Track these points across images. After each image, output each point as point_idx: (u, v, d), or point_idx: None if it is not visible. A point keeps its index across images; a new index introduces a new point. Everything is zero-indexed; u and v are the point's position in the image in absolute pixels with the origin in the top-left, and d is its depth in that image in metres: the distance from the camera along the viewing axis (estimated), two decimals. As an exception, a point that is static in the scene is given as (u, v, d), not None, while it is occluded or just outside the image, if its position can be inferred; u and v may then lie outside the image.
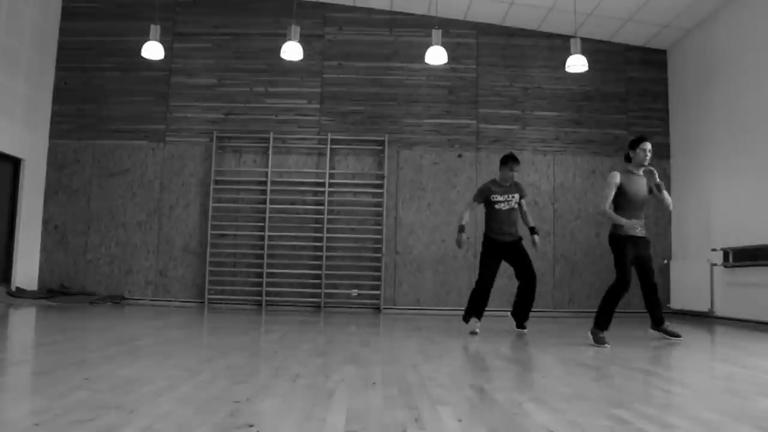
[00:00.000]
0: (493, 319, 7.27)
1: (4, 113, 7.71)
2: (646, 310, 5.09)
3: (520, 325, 5.59)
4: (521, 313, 5.57)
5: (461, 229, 5.56)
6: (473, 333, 5.27)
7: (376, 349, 4.00)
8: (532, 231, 5.55)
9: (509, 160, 5.52)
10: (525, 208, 5.63)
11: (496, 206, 5.51)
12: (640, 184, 4.92)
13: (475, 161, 8.52)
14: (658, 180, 4.95)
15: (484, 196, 5.56)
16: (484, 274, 5.45)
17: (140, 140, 8.55)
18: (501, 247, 5.50)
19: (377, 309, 8.19)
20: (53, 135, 8.57)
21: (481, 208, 5.77)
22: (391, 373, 3.03)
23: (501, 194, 5.52)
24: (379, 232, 8.30)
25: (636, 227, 4.76)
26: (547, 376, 3.09)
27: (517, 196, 5.56)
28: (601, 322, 4.64)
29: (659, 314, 5.03)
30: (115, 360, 3.16)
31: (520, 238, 5.57)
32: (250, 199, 8.42)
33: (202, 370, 2.92)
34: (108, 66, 8.68)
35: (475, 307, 5.45)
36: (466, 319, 5.52)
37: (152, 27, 6.93)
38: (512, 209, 5.53)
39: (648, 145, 4.94)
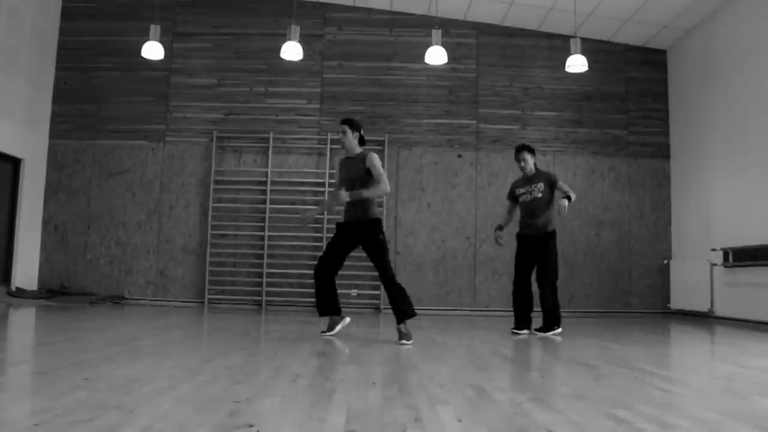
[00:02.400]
0: (495, 319, 7.26)
1: (4, 113, 7.71)
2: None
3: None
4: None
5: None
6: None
7: (376, 349, 4.00)
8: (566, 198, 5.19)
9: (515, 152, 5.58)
10: (563, 187, 5.31)
11: (520, 199, 5.56)
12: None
13: (475, 161, 8.52)
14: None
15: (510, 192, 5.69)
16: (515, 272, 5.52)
17: (140, 140, 8.55)
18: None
19: (377, 309, 8.19)
20: (53, 135, 8.57)
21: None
22: (391, 373, 3.03)
23: (522, 186, 5.55)
24: (379, 232, 8.28)
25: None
26: (547, 376, 3.09)
27: (541, 185, 5.38)
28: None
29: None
30: (115, 360, 3.16)
31: (547, 234, 5.36)
32: (250, 199, 8.42)
33: (202, 370, 2.92)
34: (108, 66, 8.68)
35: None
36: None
37: (152, 27, 6.93)
38: (535, 199, 5.39)
39: None
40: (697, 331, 6.18)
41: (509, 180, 8.47)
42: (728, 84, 7.40)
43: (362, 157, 4.73)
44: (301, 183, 8.45)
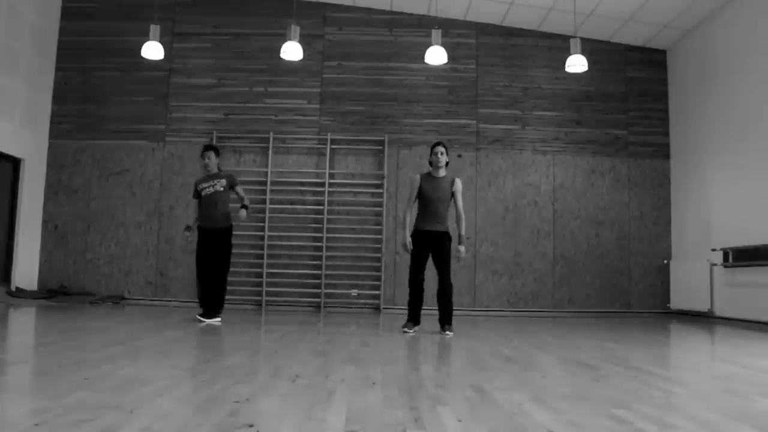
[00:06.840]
0: (493, 320, 7.27)
1: (4, 113, 7.71)
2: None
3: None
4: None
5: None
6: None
7: (376, 349, 4.00)
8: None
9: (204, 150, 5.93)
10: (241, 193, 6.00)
11: (202, 193, 5.87)
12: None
13: (475, 161, 8.52)
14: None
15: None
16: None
17: (140, 140, 8.55)
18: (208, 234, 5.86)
19: (377, 309, 8.19)
20: (53, 135, 8.57)
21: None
22: (391, 373, 3.03)
23: (205, 182, 5.88)
24: (379, 232, 8.30)
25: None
26: (547, 376, 3.09)
27: (224, 181, 5.85)
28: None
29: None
30: (115, 360, 3.16)
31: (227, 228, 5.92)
32: (250, 199, 8.40)
33: (202, 370, 2.92)
34: (108, 66, 8.68)
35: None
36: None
37: (152, 27, 6.93)
38: (216, 192, 5.82)
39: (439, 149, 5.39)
40: (697, 331, 6.18)
41: (509, 180, 8.48)
42: (728, 84, 7.40)
43: (450, 180, 5.38)
44: (301, 183, 8.45)
